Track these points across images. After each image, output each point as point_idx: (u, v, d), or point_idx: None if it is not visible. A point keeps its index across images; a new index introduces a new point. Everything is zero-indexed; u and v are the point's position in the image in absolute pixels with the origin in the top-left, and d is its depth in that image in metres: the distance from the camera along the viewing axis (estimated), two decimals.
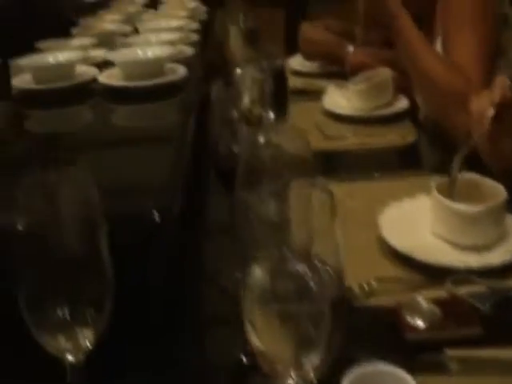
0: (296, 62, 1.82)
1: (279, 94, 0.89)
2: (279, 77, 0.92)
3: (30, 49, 1.31)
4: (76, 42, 1.38)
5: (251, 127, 0.79)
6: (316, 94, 1.57)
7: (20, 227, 0.50)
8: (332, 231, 0.45)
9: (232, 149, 0.75)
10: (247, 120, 0.82)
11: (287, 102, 0.92)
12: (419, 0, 1.29)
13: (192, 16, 1.67)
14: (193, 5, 1.83)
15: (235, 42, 1.16)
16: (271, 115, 0.82)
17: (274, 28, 2.78)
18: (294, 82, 1.60)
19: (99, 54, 1.33)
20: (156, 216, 0.63)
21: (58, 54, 1.25)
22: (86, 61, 1.23)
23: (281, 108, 0.89)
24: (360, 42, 1.64)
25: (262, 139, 0.64)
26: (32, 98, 1.14)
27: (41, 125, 1.12)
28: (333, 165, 1.25)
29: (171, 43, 1.28)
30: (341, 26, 1.72)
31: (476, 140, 0.89)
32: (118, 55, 1.19)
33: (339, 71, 1.66)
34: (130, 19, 1.69)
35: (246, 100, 0.83)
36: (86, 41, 1.38)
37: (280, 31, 2.86)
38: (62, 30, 1.55)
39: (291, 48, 1.84)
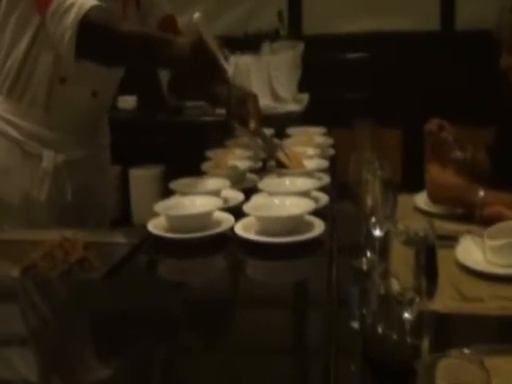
0: (422, 200, 1.84)
1: (430, 270, 0.93)
2: (430, 249, 0.96)
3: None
4: (210, 183, 1.50)
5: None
6: (446, 239, 1.57)
7: None
8: None
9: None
10: (397, 301, 0.87)
11: (438, 277, 0.95)
12: None
13: (321, 153, 1.78)
14: (320, 140, 1.95)
15: (372, 194, 1.23)
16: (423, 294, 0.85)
17: (390, 150, 2.87)
18: (419, 221, 1.62)
19: (233, 195, 1.45)
20: None
21: (194, 199, 1.37)
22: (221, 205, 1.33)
23: (431, 284, 0.92)
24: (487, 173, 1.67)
25: None
26: (165, 245, 1.25)
27: (170, 274, 1.22)
28: (472, 330, 1.24)
29: (306, 194, 1.37)
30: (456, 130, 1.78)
31: None
32: (256, 208, 1.29)
33: (469, 214, 1.67)
34: (258, 152, 1.82)
35: (395, 283, 0.88)
36: (219, 183, 1.49)
37: (397, 152, 2.94)
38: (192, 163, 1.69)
39: (410, 175, 1.90)
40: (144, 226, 1.32)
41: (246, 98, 1.69)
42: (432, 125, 1.87)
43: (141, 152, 3.21)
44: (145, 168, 3.20)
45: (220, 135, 2.84)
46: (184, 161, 2.86)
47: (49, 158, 1.58)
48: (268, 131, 2.13)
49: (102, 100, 1.65)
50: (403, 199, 1.51)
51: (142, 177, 3.17)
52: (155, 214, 1.33)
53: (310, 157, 1.72)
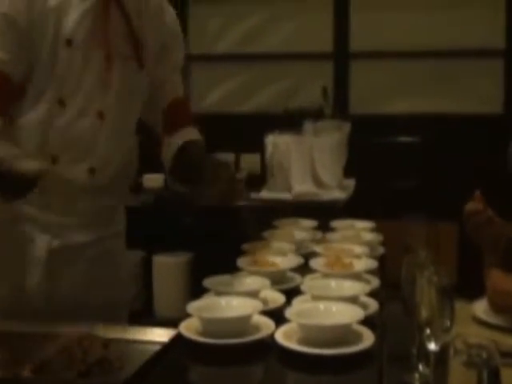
0: (481, 309, 1.83)
1: None
2: (493, 373, 0.99)
3: None
4: (248, 282, 1.54)
5: None
6: (511, 357, 1.57)
7: None
8: None
9: None
10: None
11: None
12: None
13: (370, 252, 1.82)
14: (369, 237, 1.99)
15: (427, 303, 1.25)
16: None
17: (445, 246, 2.88)
18: (478, 333, 1.62)
19: (273, 297, 1.48)
20: None
21: (231, 301, 1.40)
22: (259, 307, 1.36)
23: None
24: None
25: None
26: (197, 349, 1.27)
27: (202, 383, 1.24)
28: None
29: (353, 299, 1.40)
30: None
31: None
32: (299, 314, 1.32)
33: None
34: (300, 247, 1.88)
35: None
36: (259, 282, 1.53)
37: (452, 249, 2.96)
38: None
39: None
40: (172, 322, 1.34)
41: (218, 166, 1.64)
42: (474, 204, 1.89)
43: (167, 236, 3.25)
44: (171, 255, 3.19)
45: (254, 221, 2.90)
46: (214, 248, 2.91)
47: (42, 243, 1.58)
48: (309, 223, 2.18)
49: (101, 177, 1.63)
50: (460, 306, 1.52)
51: (167, 264, 3.16)
52: (182, 310, 1.35)
53: (358, 256, 1.75)
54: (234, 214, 3.11)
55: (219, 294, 1.47)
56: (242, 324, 1.31)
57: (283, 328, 1.31)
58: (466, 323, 1.65)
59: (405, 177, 3.70)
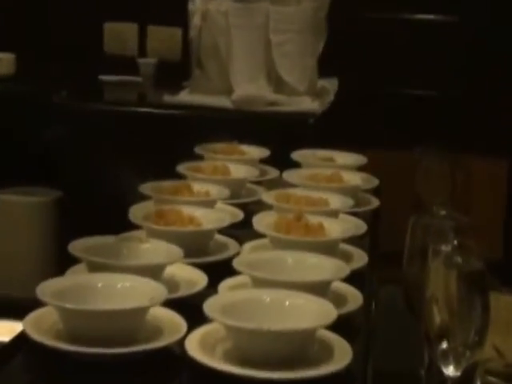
0: None
1: None
2: None
3: None
4: (146, 251, 1.55)
5: None
6: None
7: None
8: None
9: None
10: None
11: None
12: None
13: (355, 206, 1.85)
14: (354, 180, 2.01)
15: (445, 301, 1.25)
16: None
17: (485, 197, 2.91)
18: None
19: (189, 276, 1.48)
20: None
21: (114, 280, 1.40)
22: None
23: None
24: None
25: None
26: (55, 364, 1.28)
27: None
28: None
29: (321, 288, 1.40)
30: None
31: None
32: (229, 312, 1.32)
33: None
34: (238, 193, 1.89)
35: None
36: (164, 250, 1.54)
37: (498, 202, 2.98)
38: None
39: None
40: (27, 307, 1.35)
41: None
42: None
43: (18, 162, 3.24)
44: (24, 192, 3.19)
45: (165, 144, 2.89)
46: (95, 188, 2.89)
47: None
48: (257, 152, 2.18)
49: None
50: (503, 304, 1.54)
51: (13, 207, 3.15)
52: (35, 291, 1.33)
53: (334, 212, 1.80)
54: (130, 129, 3.07)
55: (96, 267, 1.47)
56: (132, 321, 1.32)
57: (201, 330, 1.32)
58: (509, 334, 1.66)
59: (423, 77, 3.67)
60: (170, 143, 2.77)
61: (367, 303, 1.48)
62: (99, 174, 2.97)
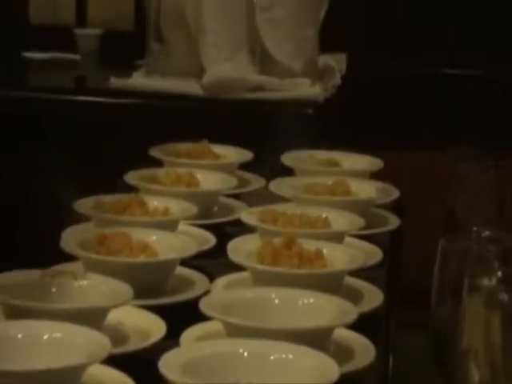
0: None
1: None
2: None
3: None
4: (84, 290, 1.56)
5: None
6: None
7: None
8: None
9: None
10: None
11: None
12: None
13: (368, 227, 1.86)
14: (367, 192, 2.03)
15: (482, 349, 1.27)
16: None
17: None
18: None
19: (140, 323, 1.48)
20: None
21: (38, 328, 1.40)
22: None
23: None
24: None
25: None
26: None
27: None
28: None
29: (322, 336, 1.41)
30: None
31: None
32: (192, 371, 1.32)
33: None
34: (208, 211, 1.90)
35: None
36: (108, 290, 1.54)
37: None
38: None
39: None
40: None
41: None
42: None
43: None
44: None
45: (113, 143, 2.92)
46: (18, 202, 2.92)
47: None
48: (235, 154, 2.20)
49: None
50: None
51: None
52: None
53: (338, 235, 1.83)
54: (64, 124, 3.10)
55: (15, 312, 1.48)
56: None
57: None
58: None
59: (465, 52, 3.71)
60: (117, 143, 2.78)
61: (382, 358, 1.50)
62: (20, 185, 2.97)
